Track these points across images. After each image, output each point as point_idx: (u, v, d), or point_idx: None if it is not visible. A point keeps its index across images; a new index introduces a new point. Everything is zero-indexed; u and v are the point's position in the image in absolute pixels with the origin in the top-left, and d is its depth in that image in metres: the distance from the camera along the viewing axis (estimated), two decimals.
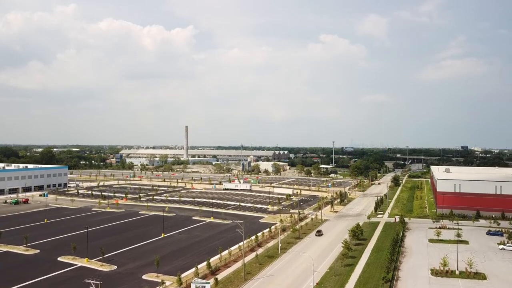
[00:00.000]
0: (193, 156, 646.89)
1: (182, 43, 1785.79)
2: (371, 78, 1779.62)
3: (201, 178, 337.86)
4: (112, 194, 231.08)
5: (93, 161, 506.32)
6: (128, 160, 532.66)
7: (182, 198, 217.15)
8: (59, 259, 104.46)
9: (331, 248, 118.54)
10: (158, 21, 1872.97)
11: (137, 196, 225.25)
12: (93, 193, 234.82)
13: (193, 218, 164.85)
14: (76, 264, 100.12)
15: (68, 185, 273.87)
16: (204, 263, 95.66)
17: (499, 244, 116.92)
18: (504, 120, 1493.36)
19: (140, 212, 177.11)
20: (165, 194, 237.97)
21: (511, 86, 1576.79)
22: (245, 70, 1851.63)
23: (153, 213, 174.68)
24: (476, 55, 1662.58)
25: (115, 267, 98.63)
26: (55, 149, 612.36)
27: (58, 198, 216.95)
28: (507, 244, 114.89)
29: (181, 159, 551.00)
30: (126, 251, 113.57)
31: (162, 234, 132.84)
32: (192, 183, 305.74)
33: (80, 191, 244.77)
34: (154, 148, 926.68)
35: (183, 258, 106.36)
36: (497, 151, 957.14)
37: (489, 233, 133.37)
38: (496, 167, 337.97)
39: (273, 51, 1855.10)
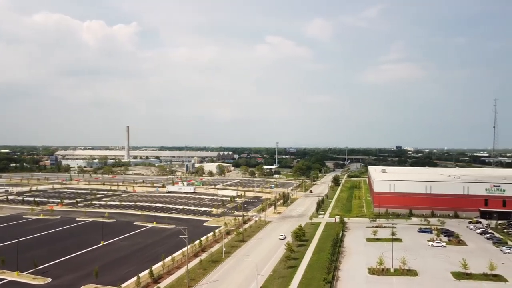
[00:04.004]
0: (135, 157, 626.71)
1: (125, 40, 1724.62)
2: (316, 80, 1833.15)
3: (143, 181, 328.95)
4: (46, 199, 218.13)
5: (24, 164, 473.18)
6: (64, 162, 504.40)
7: (123, 203, 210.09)
8: None
9: (275, 250, 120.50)
10: (99, 16, 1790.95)
11: (74, 201, 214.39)
12: (25, 199, 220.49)
13: (134, 223, 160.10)
14: (5, 279, 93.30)
15: None
16: (147, 271, 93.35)
17: (429, 241, 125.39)
18: (434, 122, 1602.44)
19: (77, 219, 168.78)
20: (104, 199, 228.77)
21: (443, 90, 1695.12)
22: (191, 69, 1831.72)
23: (91, 219, 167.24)
24: (413, 60, 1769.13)
25: (49, 279, 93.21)
26: None
27: None
28: (436, 241, 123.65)
29: (122, 160, 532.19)
30: (61, 261, 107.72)
31: (102, 241, 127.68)
32: (133, 186, 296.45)
33: (10, 197, 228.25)
34: (93, 149, 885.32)
35: (124, 267, 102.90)
36: (427, 151, 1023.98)
37: (420, 230, 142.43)
38: (427, 167, 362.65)
39: (220, 51, 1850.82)
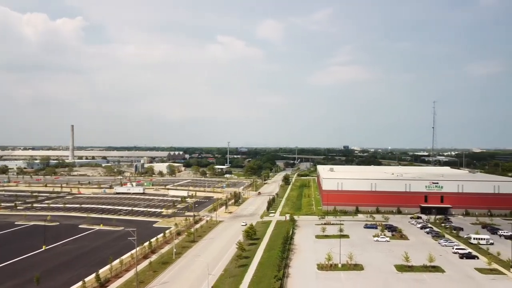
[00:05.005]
0: (80, 157, 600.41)
1: (70, 35, 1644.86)
2: (267, 80, 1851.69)
3: (89, 182, 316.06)
4: None
5: None
6: (1, 162, 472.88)
7: (67, 205, 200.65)
8: None
9: (226, 249, 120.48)
10: (40, 8, 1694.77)
11: (13, 204, 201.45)
12: None
13: (80, 226, 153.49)
14: None
15: None
16: (93, 276, 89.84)
17: (374, 236, 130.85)
18: (379, 122, 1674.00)
19: (16, 223, 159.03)
20: (47, 201, 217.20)
21: (388, 92, 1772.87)
22: (141, 67, 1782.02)
23: (32, 223, 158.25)
24: (360, 63, 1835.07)
25: None
26: None
27: None
28: (380, 236, 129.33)
29: (66, 161, 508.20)
30: None
31: (44, 246, 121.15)
32: (79, 187, 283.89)
33: None
34: (33, 149, 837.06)
35: (68, 272, 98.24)
36: (373, 150, 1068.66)
37: (366, 226, 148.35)
38: (372, 166, 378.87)
39: (171, 49, 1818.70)
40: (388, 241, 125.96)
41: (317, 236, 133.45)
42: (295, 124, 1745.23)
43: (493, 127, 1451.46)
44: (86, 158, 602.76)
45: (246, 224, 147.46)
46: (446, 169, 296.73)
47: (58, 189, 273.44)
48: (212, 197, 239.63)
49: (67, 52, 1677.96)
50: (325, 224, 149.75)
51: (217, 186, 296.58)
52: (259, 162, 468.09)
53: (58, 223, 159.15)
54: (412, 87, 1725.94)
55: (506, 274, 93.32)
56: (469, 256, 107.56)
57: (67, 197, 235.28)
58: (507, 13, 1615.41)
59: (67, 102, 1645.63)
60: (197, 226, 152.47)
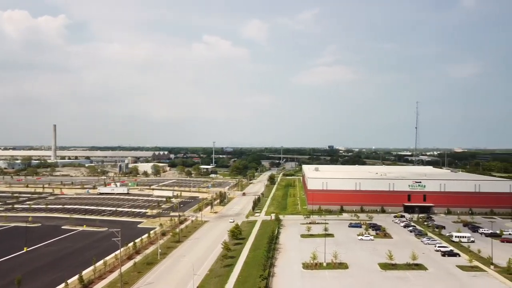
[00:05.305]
0: (63, 158, 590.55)
1: (53, 33, 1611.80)
2: (253, 80, 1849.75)
3: (72, 182, 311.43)
4: None
5: None
6: None
7: (49, 206, 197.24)
8: None
9: (211, 249, 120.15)
10: (21, 5, 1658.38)
11: None
12: None
13: (62, 227, 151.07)
14: None
15: None
16: (76, 277, 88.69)
17: (358, 235, 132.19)
18: (364, 122, 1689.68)
19: None
20: (28, 202, 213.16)
21: (373, 93, 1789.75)
22: (126, 67, 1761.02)
23: (13, 224, 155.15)
24: (345, 63, 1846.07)
25: None
26: None
27: None
28: (365, 235, 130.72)
29: (48, 161, 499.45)
30: None
31: (25, 248, 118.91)
32: (61, 188, 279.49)
33: None
34: (14, 148, 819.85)
35: (51, 274, 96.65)
36: (357, 150, 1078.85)
37: (350, 225, 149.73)
38: (357, 165, 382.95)
39: (157, 48, 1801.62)
40: (372, 240, 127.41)
41: (302, 235, 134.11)
42: (280, 124, 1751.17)
43: (474, 127, 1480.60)
44: (69, 158, 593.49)
45: (234, 221, 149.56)
46: (429, 169, 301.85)
47: (40, 190, 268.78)
48: (198, 197, 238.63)
49: (50, 51, 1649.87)
50: (310, 223, 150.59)
51: (203, 186, 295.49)
52: (244, 162, 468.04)
53: (40, 224, 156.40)
54: (397, 87, 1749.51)
55: (486, 271, 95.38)
56: (451, 253, 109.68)
57: (49, 198, 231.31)
58: (487, 16, 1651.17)
59: (50, 101, 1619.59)
60: (182, 226, 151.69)
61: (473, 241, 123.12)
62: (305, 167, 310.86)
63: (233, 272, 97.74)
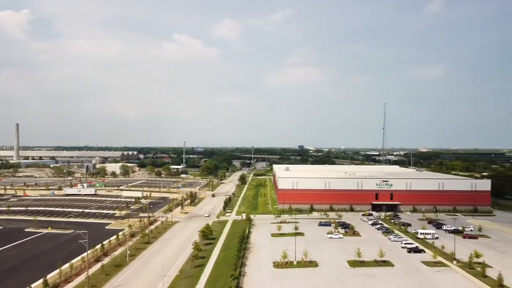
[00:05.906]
0: (26, 158, 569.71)
1: (15, 28, 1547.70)
2: (224, 80, 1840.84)
3: (36, 184, 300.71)
4: None
5: None
6: None
7: (11, 208, 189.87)
8: None
9: (182, 250, 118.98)
10: None
11: None
12: None
13: (26, 230, 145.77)
14: None
15: None
16: (40, 281, 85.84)
17: (328, 233, 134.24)
18: (333, 123, 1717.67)
19: None
20: None
21: (342, 93, 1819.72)
22: (93, 64, 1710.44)
23: None
24: (316, 64, 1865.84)
25: None
26: None
27: None
28: (334, 233, 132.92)
29: (11, 161, 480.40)
30: None
31: None
32: (24, 189, 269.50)
33: None
34: None
35: (13, 278, 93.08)
36: (327, 150, 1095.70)
37: (320, 224, 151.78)
38: (326, 165, 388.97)
39: (126, 46, 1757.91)
40: (341, 238, 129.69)
41: (273, 235, 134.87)
42: (251, 124, 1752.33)
43: (438, 128, 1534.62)
44: (33, 159, 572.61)
45: (209, 216, 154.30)
46: (396, 168, 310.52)
47: (2, 192, 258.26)
48: (168, 197, 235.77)
49: (11, 47, 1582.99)
50: (280, 222, 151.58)
51: (173, 186, 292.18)
52: (215, 162, 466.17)
53: (1, 227, 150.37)
54: (365, 88, 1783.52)
55: (449, 266, 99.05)
56: (416, 250, 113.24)
57: (11, 200, 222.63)
58: (451, 20, 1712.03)
59: (12, 99, 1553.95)
60: (152, 227, 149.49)
61: (437, 238, 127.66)
62: (275, 167, 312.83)
63: (204, 272, 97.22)
